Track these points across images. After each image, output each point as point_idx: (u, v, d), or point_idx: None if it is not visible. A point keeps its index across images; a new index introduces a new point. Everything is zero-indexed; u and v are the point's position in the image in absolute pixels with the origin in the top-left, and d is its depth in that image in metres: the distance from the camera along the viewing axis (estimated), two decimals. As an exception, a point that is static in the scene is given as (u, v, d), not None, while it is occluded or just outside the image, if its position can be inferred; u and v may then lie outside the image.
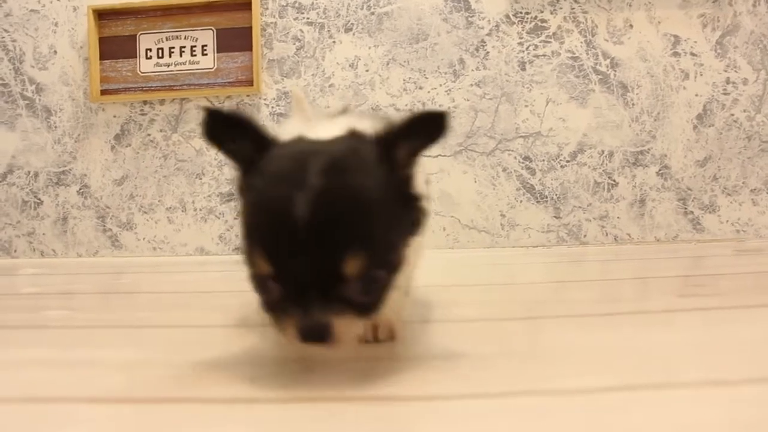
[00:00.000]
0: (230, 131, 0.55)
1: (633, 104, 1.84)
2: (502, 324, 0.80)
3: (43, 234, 1.99)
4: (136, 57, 1.94)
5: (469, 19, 1.86)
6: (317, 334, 0.50)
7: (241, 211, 0.56)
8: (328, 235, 0.48)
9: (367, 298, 0.52)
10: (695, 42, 1.82)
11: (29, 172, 1.98)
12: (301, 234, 0.48)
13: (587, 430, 0.42)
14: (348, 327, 0.51)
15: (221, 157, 1.89)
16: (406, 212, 0.56)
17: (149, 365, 0.63)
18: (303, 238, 0.48)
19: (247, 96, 1.91)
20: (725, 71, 1.82)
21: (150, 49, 1.93)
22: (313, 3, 1.90)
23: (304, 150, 0.55)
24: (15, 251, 1.99)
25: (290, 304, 0.50)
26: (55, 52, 1.96)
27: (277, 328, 0.53)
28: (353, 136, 0.57)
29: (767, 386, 0.50)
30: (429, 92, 1.87)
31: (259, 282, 0.53)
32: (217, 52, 1.91)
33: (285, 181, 0.51)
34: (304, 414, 0.47)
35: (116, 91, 1.94)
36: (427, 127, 0.56)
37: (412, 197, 0.57)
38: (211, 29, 1.91)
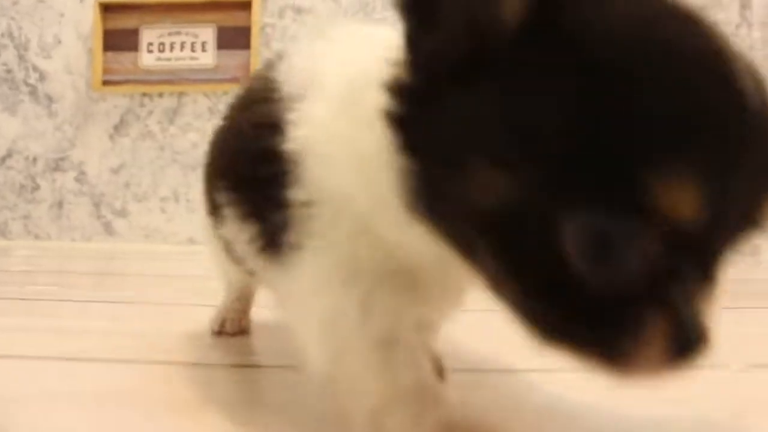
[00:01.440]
0: None
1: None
2: (501, 315, 0.82)
3: (39, 218, 2.04)
4: (138, 50, 2.00)
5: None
6: (699, 341, 0.26)
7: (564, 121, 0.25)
8: None
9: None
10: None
11: (28, 156, 2.04)
12: (750, 138, 0.25)
13: (575, 401, 0.44)
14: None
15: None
16: None
17: (134, 334, 0.66)
18: (750, 146, 0.25)
19: (244, 93, 1.97)
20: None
21: (152, 44, 1.99)
22: (311, 7, 1.96)
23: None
24: (10, 233, 2.04)
25: (680, 280, 0.25)
26: (60, 41, 2.02)
27: (611, 353, 0.26)
28: None
29: (749, 374, 0.53)
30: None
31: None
32: (217, 49, 1.97)
33: (695, 50, 0.24)
34: (282, 378, 0.49)
35: (117, 83, 2.00)
36: None
37: None
38: (211, 26, 1.97)
